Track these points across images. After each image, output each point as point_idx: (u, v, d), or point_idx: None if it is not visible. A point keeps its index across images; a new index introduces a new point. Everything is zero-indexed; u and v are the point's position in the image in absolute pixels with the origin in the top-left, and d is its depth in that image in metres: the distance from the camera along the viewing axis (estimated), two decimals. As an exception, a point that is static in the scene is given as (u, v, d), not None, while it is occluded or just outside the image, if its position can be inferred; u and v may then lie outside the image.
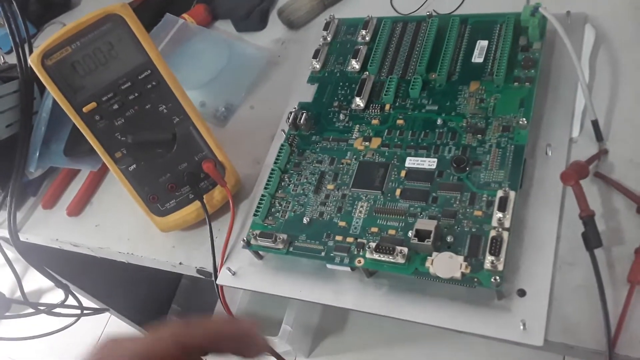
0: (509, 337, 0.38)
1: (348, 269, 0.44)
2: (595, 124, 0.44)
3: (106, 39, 0.48)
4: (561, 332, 0.38)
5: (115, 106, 0.48)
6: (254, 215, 0.47)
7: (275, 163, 0.49)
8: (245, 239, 0.46)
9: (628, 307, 0.37)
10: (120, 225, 0.57)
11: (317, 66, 0.55)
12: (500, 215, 0.40)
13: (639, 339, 0.36)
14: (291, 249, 0.45)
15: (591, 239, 0.38)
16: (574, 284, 0.40)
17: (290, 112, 0.52)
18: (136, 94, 0.48)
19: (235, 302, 1.10)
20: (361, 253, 0.43)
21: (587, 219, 0.39)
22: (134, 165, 0.49)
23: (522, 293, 0.40)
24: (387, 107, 0.50)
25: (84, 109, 0.48)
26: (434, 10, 0.57)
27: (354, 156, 0.48)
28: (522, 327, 0.38)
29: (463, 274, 0.39)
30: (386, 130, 0.49)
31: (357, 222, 0.45)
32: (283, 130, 0.53)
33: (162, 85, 0.48)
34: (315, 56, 0.55)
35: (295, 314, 1.04)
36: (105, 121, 0.48)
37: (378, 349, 1.09)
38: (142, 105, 0.48)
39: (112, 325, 1.26)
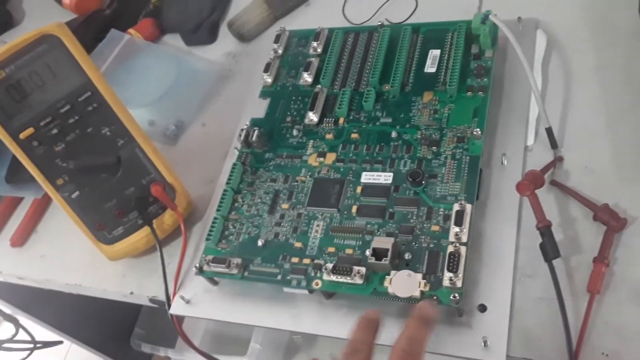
0: (470, 354, 0.38)
1: (306, 291, 0.42)
2: (549, 131, 0.44)
3: (43, 61, 0.45)
4: (523, 346, 0.38)
5: (55, 131, 0.46)
6: (206, 239, 0.45)
7: (227, 183, 0.48)
8: (197, 265, 0.44)
9: (588, 318, 0.37)
10: (67, 254, 0.54)
11: (269, 80, 0.54)
12: (457, 229, 0.39)
13: (600, 349, 0.36)
14: (246, 273, 0.43)
15: (549, 250, 0.38)
16: (535, 296, 0.39)
17: (242, 130, 0.50)
18: (76, 117, 0.46)
19: (203, 320, 1.06)
20: (318, 275, 0.41)
21: (544, 229, 0.38)
22: (77, 192, 0.47)
23: (482, 308, 0.39)
24: (341, 120, 0.49)
25: (21, 135, 0.45)
26: (386, 19, 0.56)
27: (309, 173, 0.47)
28: (483, 344, 0.37)
29: (422, 292, 0.38)
30: (341, 145, 0.48)
31: (313, 242, 0.43)
32: (236, 148, 0.51)
33: (104, 106, 0.46)
34: (266, 70, 0.54)
35: (264, 331, 1.01)
36: (44, 147, 0.46)
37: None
38: (83, 128, 0.46)
39: (73, 355, 1.21)
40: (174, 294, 0.46)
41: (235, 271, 0.43)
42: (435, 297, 0.38)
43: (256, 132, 0.49)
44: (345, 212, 0.44)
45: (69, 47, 0.45)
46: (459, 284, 0.37)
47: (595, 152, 0.43)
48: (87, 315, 0.96)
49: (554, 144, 0.44)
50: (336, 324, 0.41)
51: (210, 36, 0.64)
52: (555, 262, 0.38)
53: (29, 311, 0.84)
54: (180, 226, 0.48)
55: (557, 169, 0.43)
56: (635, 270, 0.38)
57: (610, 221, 0.39)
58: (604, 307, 0.37)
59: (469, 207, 0.40)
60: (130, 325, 1.09)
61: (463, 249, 0.38)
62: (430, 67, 0.49)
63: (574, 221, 0.41)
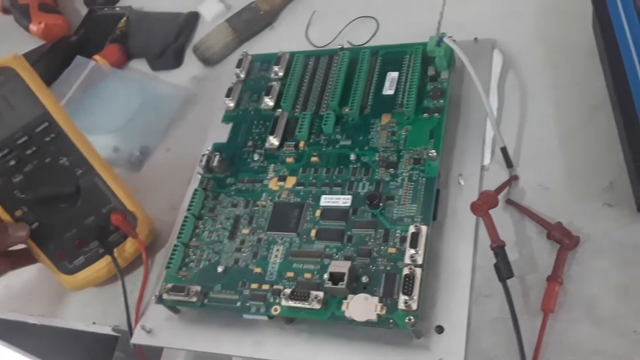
0: (428, 377, 0.38)
1: (265, 317, 0.42)
2: (504, 151, 0.44)
3: (-1, 93, 0.45)
4: (480, 367, 0.38)
5: (12, 162, 0.46)
6: (167, 267, 0.45)
7: (188, 209, 0.48)
8: (157, 294, 0.44)
9: (542, 337, 0.37)
10: (30, 285, 0.53)
11: (231, 105, 0.54)
12: (412, 251, 0.39)
13: (555, 369, 0.36)
14: (206, 301, 0.43)
15: (502, 270, 0.38)
16: (491, 316, 0.39)
17: (204, 155, 0.50)
18: (34, 148, 0.46)
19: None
20: (277, 301, 0.41)
21: (498, 249, 0.39)
22: (37, 223, 0.46)
23: (440, 330, 0.39)
24: (302, 144, 0.49)
25: (-22, 169, 0.45)
26: (348, 41, 0.57)
27: (269, 197, 0.47)
28: (440, 366, 0.37)
29: (379, 316, 0.38)
30: (301, 169, 0.48)
31: (273, 268, 0.43)
32: (199, 173, 0.51)
33: (62, 136, 0.46)
34: (228, 95, 0.54)
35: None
36: (2, 179, 0.46)
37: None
38: (41, 159, 0.46)
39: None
40: (136, 323, 0.46)
41: (194, 299, 0.43)
42: (391, 320, 0.38)
43: (217, 157, 0.49)
44: (305, 236, 0.44)
45: (26, 79, 0.45)
46: (414, 306, 0.37)
47: (550, 170, 0.44)
48: (64, 341, 0.94)
49: (509, 163, 0.44)
50: (297, 349, 0.41)
51: (176, 61, 0.65)
52: (510, 281, 0.38)
53: (5, 339, 0.83)
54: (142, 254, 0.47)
55: (512, 187, 0.44)
56: (589, 288, 0.38)
57: (564, 239, 0.39)
58: (558, 325, 0.37)
59: (424, 228, 0.40)
60: (110, 349, 1.08)
61: (418, 271, 0.39)
62: (388, 90, 0.49)
63: (528, 240, 0.41)
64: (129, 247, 0.48)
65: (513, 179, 0.44)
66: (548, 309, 0.37)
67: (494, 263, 0.39)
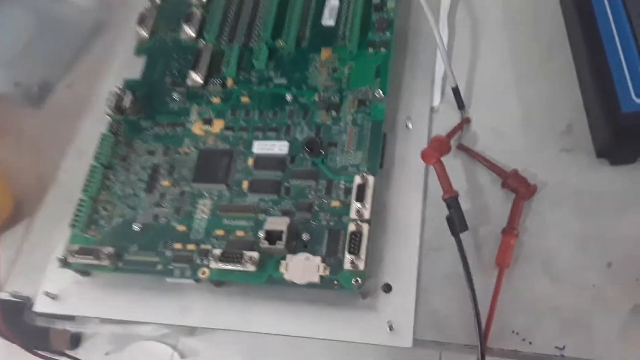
0: (376, 340, 0.34)
1: (192, 281, 0.37)
2: (455, 91, 0.40)
3: None
4: (431, 328, 0.35)
5: None
6: (72, 225, 0.38)
7: (95, 158, 0.41)
8: (62, 257, 0.38)
9: (498, 294, 0.34)
10: None
11: (145, 34, 0.46)
12: (359, 205, 0.35)
13: (511, 327, 0.34)
14: (120, 264, 0.37)
15: (456, 224, 0.34)
16: (442, 272, 0.36)
17: (112, 93, 0.43)
18: None
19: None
20: (205, 262, 0.36)
21: (451, 201, 0.35)
22: None
23: (387, 288, 0.35)
24: (230, 82, 0.43)
25: None
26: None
27: (193, 143, 0.41)
28: (388, 328, 0.34)
29: (322, 277, 0.34)
30: (229, 110, 0.42)
31: (199, 225, 0.38)
32: (108, 115, 0.43)
33: None
34: (140, 22, 0.46)
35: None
36: None
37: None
38: None
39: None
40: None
41: (106, 262, 0.37)
42: (336, 282, 0.34)
43: (129, 95, 0.42)
44: (236, 188, 0.38)
45: None
46: (361, 266, 0.34)
47: (504, 112, 0.40)
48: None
49: (460, 105, 0.40)
50: (229, 315, 0.37)
51: (78, -19, 0.55)
52: (462, 234, 0.35)
53: None
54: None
55: (464, 131, 0.40)
56: (546, 240, 0.36)
57: (519, 188, 0.36)
58: (514, 281, 0.35)
59: (371, 179, 0.36)
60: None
61: (365, 227, 0.35)
62: (328, 20, 0.44)
63: (482, 189, 0.38)
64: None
65: (465, 122, 0.40)
66: (503, 263, 0.35)
67: (446, 216, 0.35)
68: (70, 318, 0.45)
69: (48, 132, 0.48)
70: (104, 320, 0.43)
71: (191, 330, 1.03)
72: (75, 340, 0.79)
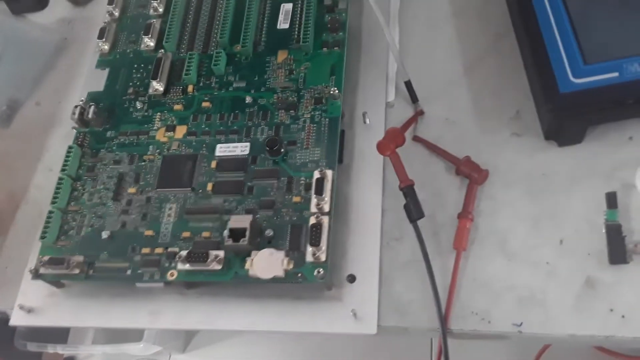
0: (341, 329, 0.35)
1: (161, 284, 0.38)
2: (408, 85, 0.42)
3: None
4: (394, 314, 0.36)
5: None
6: (41, 237, 0.39)
7: (62, 170, 0.41)
8: (33, 268, 0.38)
9: (456, 277, 0.36)
10: None
11: (106, 48, 0.47)
12: (318, 199, 0.36)
13: (470, 308, 0.35)
14: (91, 272, 0.38)
15: (413, 211, 0.36)
16: (403, 259, 0.37)
17: (76, 106, 0.43)
18: None
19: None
20: (173, 265, 0.37)
21: (407, 189, 0.36)
22: None
23: (352, 279, 0.37)
24: (190, 88, 0.44)
25: None
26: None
27: (157, 150, 0.42)
28: (353, 316, 0.35)
29: (286, 271, 0.35)
30: (191, 116, 0.43)
31: (166, 229, 0.39)
32: (74, 128, 0.44)
33: None
34: (101, 36, 0.47)
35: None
36: None
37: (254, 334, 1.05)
38: None
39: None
40: (12, 304, 0.40)
41: (77, 271, 0.38)
42: (300, 275, 0.35)
43: (92, 108, 0.43)
44: (200, 191, 0.39)
45: None
46: (322, 257, 0.35)
47: (455, 102, 0.42)
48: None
49: (414, 98, 0.42)
50: (199, 315, 0.38)
51: (40, 2, 0.56)
52: (420, 221, 0.36)
53: None
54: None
55: (418, 123, 0.42)
56: (499, 222, 0.37)
57: (472, 174, 0.38)
58: (471, 263, 0.36)
59: (329, 173, 0.37)
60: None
61: (326, 220, 0.36)
62: (283, 23, 0.45)
63: (437, 177, 0.39)
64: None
65: (419, 114, 0.42)
66: (460, 247, 0.36)
67: (403, 204, 0.36)
68: (61, 341, 0.46)
69: (17, 150, 0.49)
70: (95, 341, 0.43)
71: (183, 347, 1.04)
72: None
